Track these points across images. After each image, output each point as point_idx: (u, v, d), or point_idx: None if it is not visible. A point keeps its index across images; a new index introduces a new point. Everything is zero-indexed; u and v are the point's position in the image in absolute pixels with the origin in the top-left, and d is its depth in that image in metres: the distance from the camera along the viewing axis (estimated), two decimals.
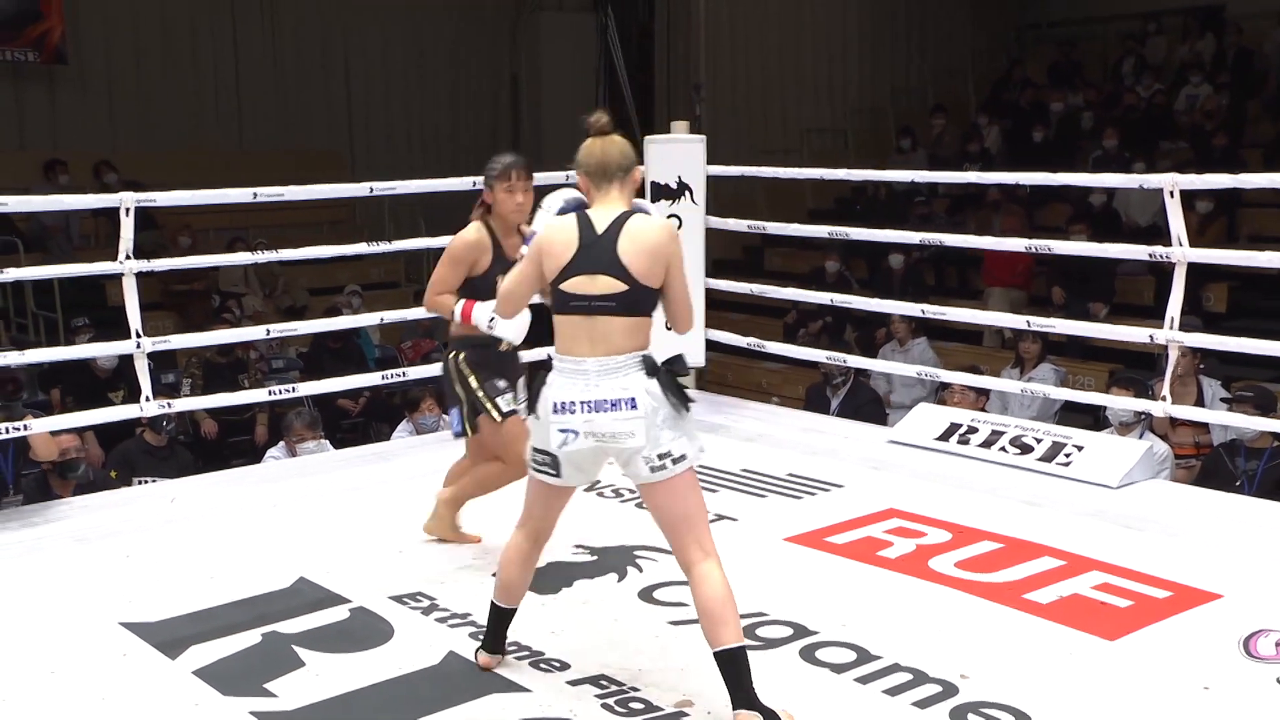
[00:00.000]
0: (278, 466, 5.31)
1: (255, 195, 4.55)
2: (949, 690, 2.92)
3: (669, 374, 2.77)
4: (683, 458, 2.76)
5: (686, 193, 5.47)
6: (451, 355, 3.76)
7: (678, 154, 5.53)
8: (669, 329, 2.94)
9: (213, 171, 10.62)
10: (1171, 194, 4.14)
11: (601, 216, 2.83)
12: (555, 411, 2.78)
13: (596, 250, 2.77)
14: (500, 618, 3.04)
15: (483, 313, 3.58)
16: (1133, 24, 13.14)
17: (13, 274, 4.30)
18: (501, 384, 3.72)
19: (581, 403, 2.75)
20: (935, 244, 4.95)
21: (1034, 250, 4.77)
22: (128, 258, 4.23)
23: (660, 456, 2.74)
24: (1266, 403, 5.26)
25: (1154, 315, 8.17)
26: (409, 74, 13.44)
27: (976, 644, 3.18)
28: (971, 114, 13.27)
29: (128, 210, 4.19)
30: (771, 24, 13.74)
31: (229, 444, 7.82)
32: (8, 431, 3.90)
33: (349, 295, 9.65)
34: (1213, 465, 5.43)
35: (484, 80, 14.03)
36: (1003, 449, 4.78)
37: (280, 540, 4.03)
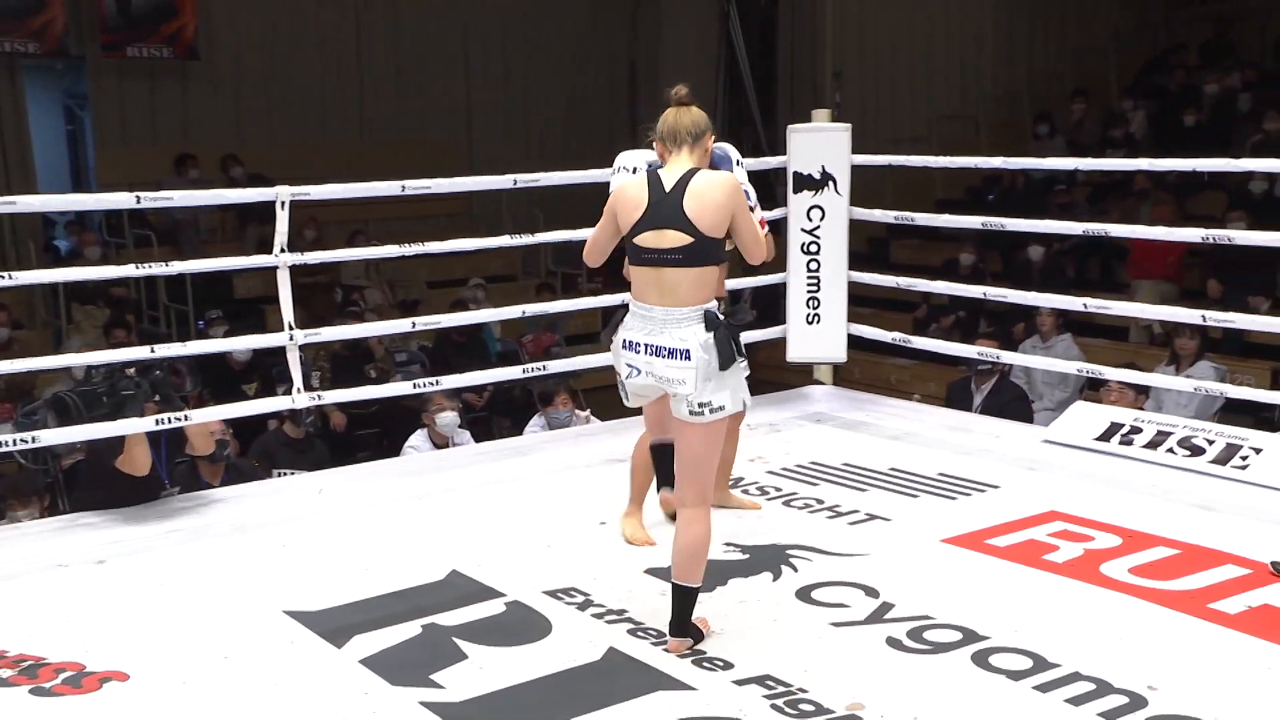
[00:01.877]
0: (419, 460, 5.45)
1: (403, 188, 4.67)
2: (1137, 702, 2.86)
3: (728, 329, 3.13)
4: (721, 408, 3.14)
5: (830, 183, 5.44)
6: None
7: (821, 143, 5.50)
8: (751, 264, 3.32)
9: (335, 163, 10.97)
10: None
11: (670, 175, 3.18)
12: (624, 348, 3.23)
13: (665, 207, 3.14)
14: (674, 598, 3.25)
15: None
16: None
17: (177, 267, 4.53)
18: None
19: (645, 345, 3.17)
20: (1100, 233, 4.81)
21: (1210, 240, 4.63)
22: (283, 250, 4.37)
23: (700, 404, 3.13)
24: None
25: None
26: (527, 64, 13.61)
27: (1161, 654, 3.11)
28: (1114, 98, 12.90)
29: (283, 204, 4.34)
30: (901, 7, 13.54)
31: (356, 436, 8.05)
32: (170, 422, 4.07)
33: (473, 288, 9.83)
34: None
35: (602, 69, 14.13)
36: (1170, 450, 4.66)
37: (429, 533, 4.13)
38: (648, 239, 3.15)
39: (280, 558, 3.93)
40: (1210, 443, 4.60)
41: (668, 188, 3.16)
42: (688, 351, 3.10)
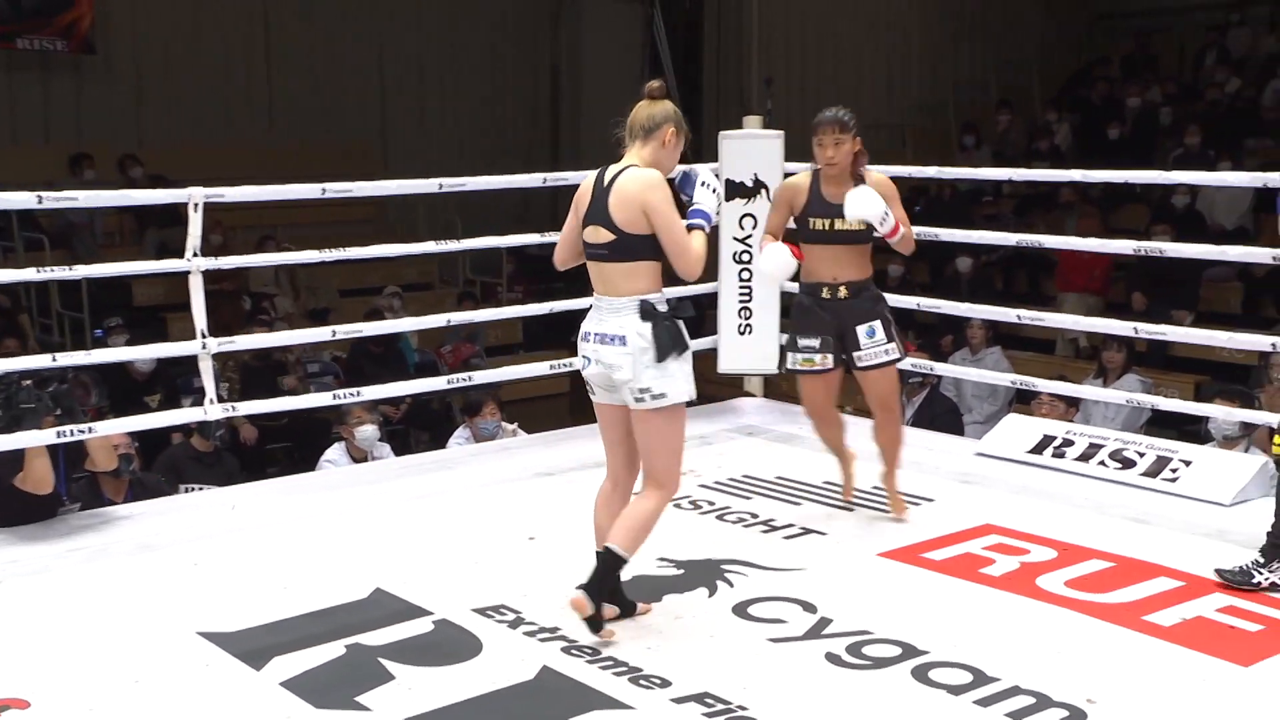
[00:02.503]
0: (338, 474, 5.38)
1: (324, 190, 4.61)
2: (1076, 715, 2.93)
3: (668, 319, 3.24)
4: (662, 395, 3.25)
5: (763, 191, 5.50)
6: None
7: (754, 150, 5.56)
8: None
9: (242, 165, 10.75)
10: None
11: (612, 170, 3.31)
12: (581, 339, 3.37)
13: (597, 203, 3.30)
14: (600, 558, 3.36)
15: (761, 253, 4.13)
16: (1214, 14, 13.09)
17: (82, 271, 4.41)
18: (804, 341, 4.12)
19: (594, 334, 3.33)
20: (1035, 244, 4.92)
21: (1143, 251, 4.78)
22: (195, 255, 4.29)
23: (641, 390, 3.25)
24: None
25: (1242, 324, 8.21)
26: (445, 64, 13.54)
27: (1099, 667, 3.18)
28: (1038, 110, 13.24)
29: (196, 206, 4.26)
30: (827, 17, 13.75)
31: (267, 450, 7.91)
32: (73, 435, 3.96)
33: (389, 297, 9.73)
34: None
35: (523, 72, 14.11)
36: (1102, 463, 4.78)
37: (351, 550, 4.08)
38: (588, 234, 3.33)
39: (192, 577, 3.84)
40: (1141, 455, 4.74)
41: (605, 183, 3.29)
42: (624, 338, 3.25)
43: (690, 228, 3.32)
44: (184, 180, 5.08)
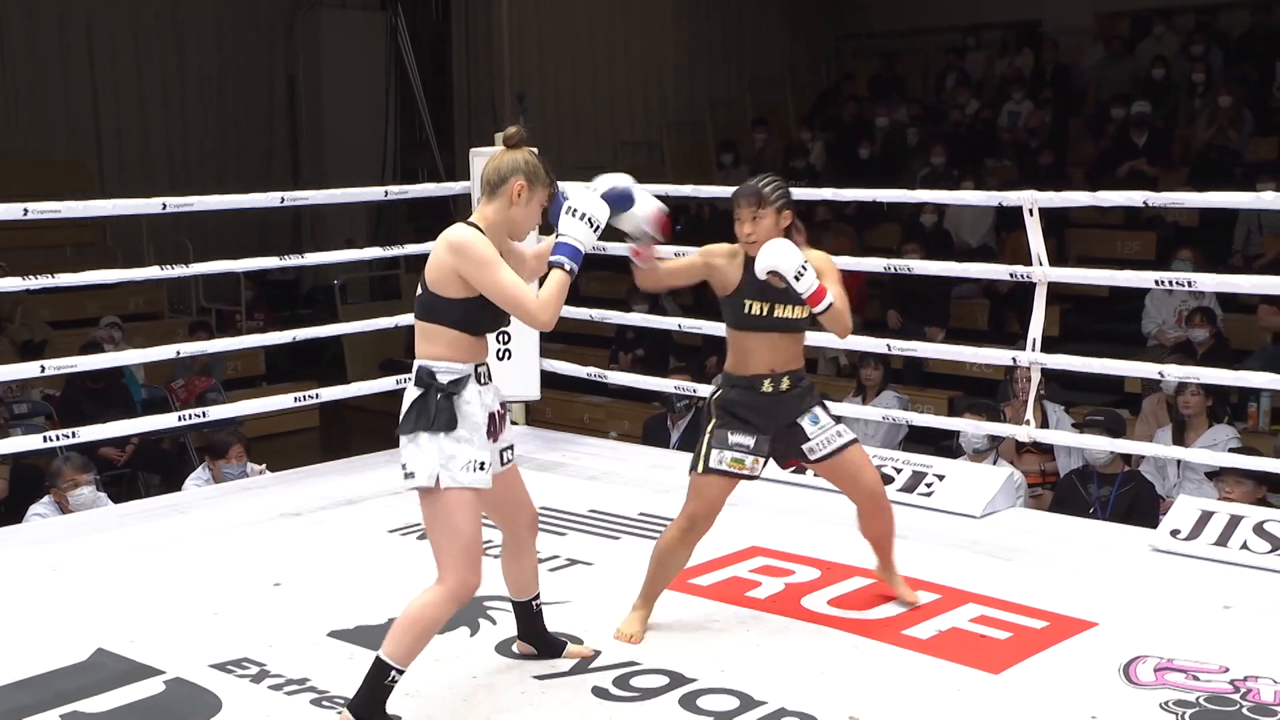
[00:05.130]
0: (49, 525, 5.04)
1: (26, 211, 4.34)
2: None
3: (438, 391, 3.06)
4: (411, 475, 3.07)
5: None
6: (711, 394, 3.75)
7: None
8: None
9: None
10: (1031, 212, 4.47)
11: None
12: None
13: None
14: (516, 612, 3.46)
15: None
16: (953, 37, 14.00)
17: None
18: (737, 439, 3.61)
19: None
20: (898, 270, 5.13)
21: (894, 269, 5.07)
22: None
23: (403, 466, 3.09)
24: (1117, 427, 5.72)
25: (990, 339, 8.79)
26: (167, 73, 12.99)
27: (861, 683, 3.35)
28: (793, 128, 13.83)
29: None
30: (580, 30, 13.95)
31: None
32: None
33: (108, 328, 9.25)
34: (1065, 492, 5.85)
35: (257, 83, 13.70)
36: None
37: (67, 608, 3.86)
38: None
39: None
40: (898, 471, 5.01)
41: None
42: (408, 401, 3.12)
43: (550, 267, 3.10)
44: None
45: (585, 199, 3.16)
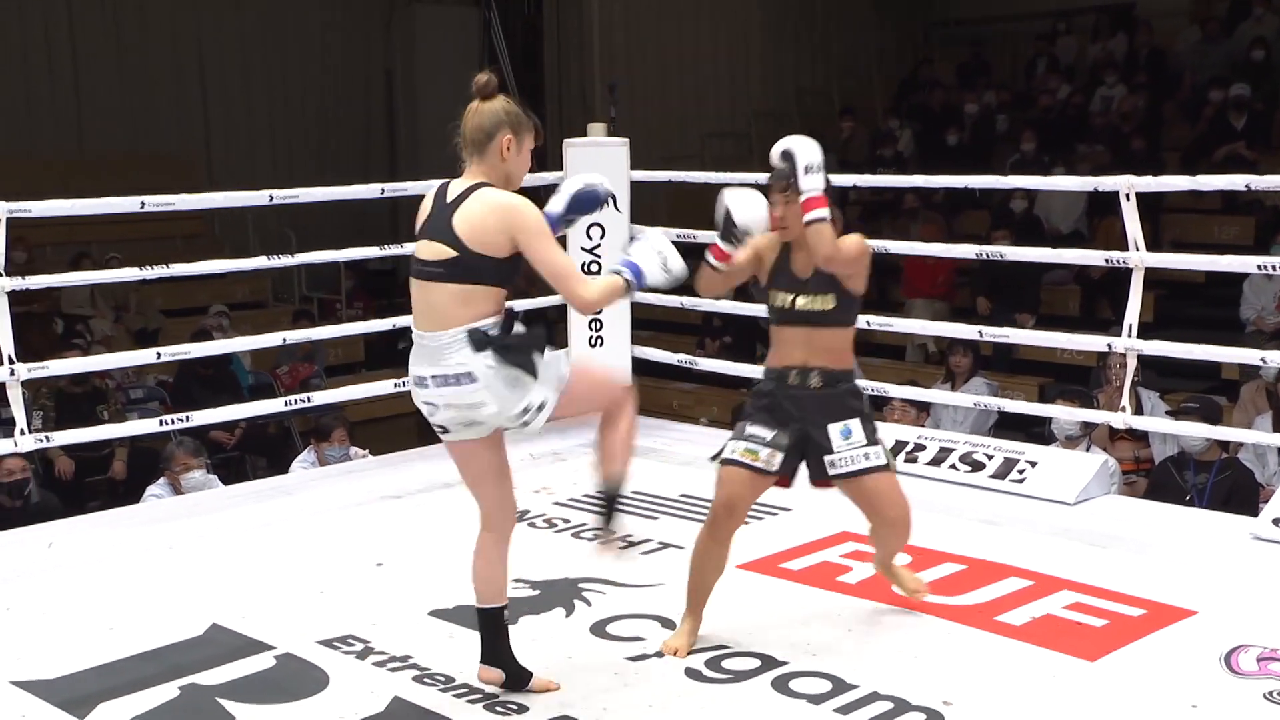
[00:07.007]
0: (165, 505, 5.19)
1: (143, 204, 4.45)
2: (934, 717, 3.03)
3: (501, 344, 2.93)
4: (544, 404, 2.98)
5: (610, 199, 5.51)
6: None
7: (599, 158, 5.58)
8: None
9: (49, 179, 10.31)
10: (1128, 197, 4.36)
11: (457, 186, 3.01)
12: (416, 385, 3.03)
13: (439, 218, 2.98)
14: (479, 620, 3.18)
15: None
16: (1043, 23, 13.71)
17: None
18: (754, 430, 3.40)
19: (432, 377, 2.97)
20: (881, 251, 5.06)
21: (984, 256, 4.98)
22: (1, 274, 4.10)
23: (523, 412, 2.97)
24: (1213, 414, 5.56)
25: (1081, 325, 8.61)
26: (271, 70, 13.24)
27: (954, 669, 3.30)
28: (879, 117, 13.66)
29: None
30: (669, 23, 13.93)
31: (86, 484, 7.59)
32: None
33: (216, 316, 9.46)
34: (1161, 479, 5.70)
35: (354, 78, 13.89)
36: (953, 466, 4.96)
37: (183, 585, 3.95)
38: (420, 249, 3.01)
39: (4, 622, 3.66)
40: (989, 458, 4.92)
41: (449, 198, 2.98)
42: (471, 374, 2.91)
43: (611, 271, 3.07)
44: None
45: (670, 248, 3.09)
